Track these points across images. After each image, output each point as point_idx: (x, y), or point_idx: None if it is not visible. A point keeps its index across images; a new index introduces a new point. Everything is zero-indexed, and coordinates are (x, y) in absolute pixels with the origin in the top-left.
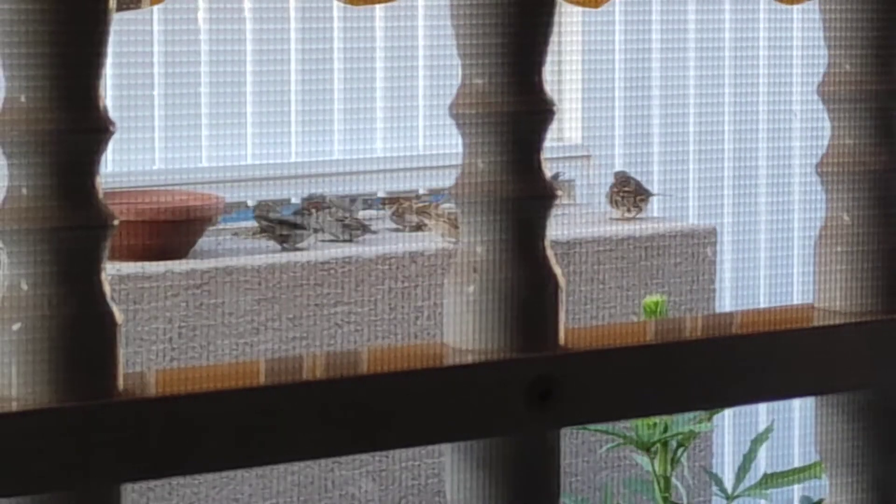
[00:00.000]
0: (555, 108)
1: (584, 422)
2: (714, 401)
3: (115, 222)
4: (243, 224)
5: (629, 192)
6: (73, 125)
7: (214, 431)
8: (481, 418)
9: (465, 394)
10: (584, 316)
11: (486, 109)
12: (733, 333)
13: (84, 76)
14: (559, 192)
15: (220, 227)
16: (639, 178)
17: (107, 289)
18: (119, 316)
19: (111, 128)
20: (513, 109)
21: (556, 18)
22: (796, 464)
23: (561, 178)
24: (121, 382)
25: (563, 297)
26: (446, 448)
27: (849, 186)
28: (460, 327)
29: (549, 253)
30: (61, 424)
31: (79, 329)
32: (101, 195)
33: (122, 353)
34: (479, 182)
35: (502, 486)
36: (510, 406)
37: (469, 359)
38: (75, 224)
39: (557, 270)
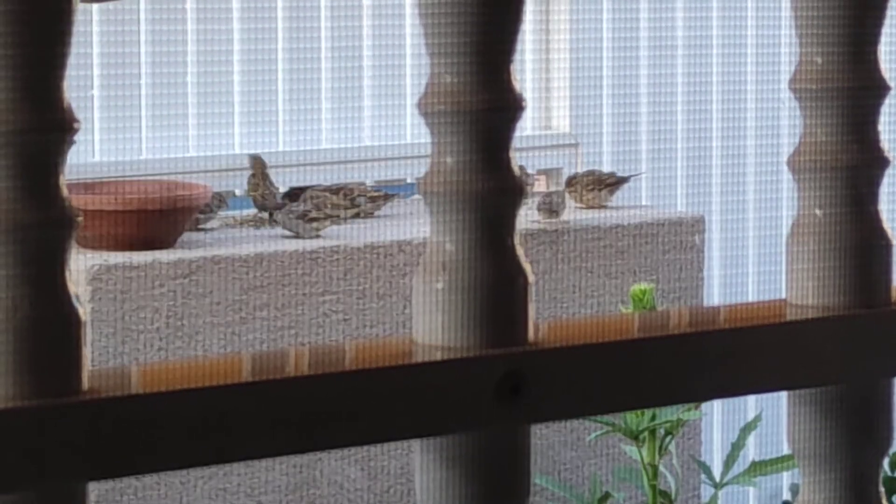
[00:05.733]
0: (524, 104)
1: (554, 418)
2: (684, 396)
3: (80, 219)
4: (230, 213)
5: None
6: (36, 123)
7: (177, 429)
8: (450, 414)
9: (434, 390)
10: (571, 304)
11: (455, 106)
12: (705, 329)
13: (47, 74)
14: (529, 188)
15: (210, 215)
16: (627, 166)
17: (71, 287)
18: (84, 314)
19: (75, 125)
20: (481, 105)
21: (523, 14)
22: (785, 452)
23: (548, 166)
24: (85, 381)
25: (532, 292)
26: (415, 445)
27: (820, 178)
28: (429, 324)
29: (518, 248)
30: (23, 424)
31: (42, 328)
32: (65, 193)
33: (87, 350)
34: (448, 178)
35: (472, 482)
36: (479, 402)
37: (438, 355)
38: (38, 221)
39: (526, 266)
